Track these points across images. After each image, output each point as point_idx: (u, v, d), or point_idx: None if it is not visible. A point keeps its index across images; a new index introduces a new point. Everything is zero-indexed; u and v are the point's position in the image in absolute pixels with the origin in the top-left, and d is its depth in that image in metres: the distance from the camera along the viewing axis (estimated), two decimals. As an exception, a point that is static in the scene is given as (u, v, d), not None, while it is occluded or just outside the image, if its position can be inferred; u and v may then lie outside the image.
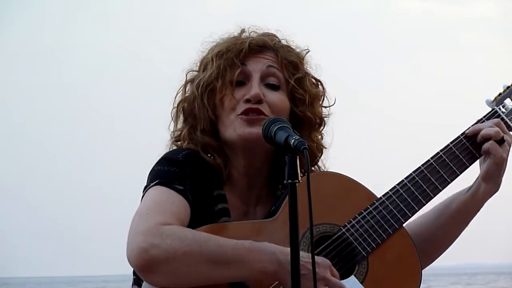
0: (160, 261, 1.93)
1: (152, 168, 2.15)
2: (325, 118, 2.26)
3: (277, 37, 2.23)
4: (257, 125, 2.08)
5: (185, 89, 2.25)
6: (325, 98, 2.27)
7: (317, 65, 2.26)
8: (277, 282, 1.99)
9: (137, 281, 2.16)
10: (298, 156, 1.85)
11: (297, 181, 1.82)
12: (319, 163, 2.31)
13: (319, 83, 2.25)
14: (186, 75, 2.26)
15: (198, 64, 2.24)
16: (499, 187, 2.20)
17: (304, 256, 1.90)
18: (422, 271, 2.18)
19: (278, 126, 1.89)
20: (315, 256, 1.88)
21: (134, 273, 2.16)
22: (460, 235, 2.37)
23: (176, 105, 2.25)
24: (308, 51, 2.24)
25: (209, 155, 2.18)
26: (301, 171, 1.86)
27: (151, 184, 2.09)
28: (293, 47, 2.24)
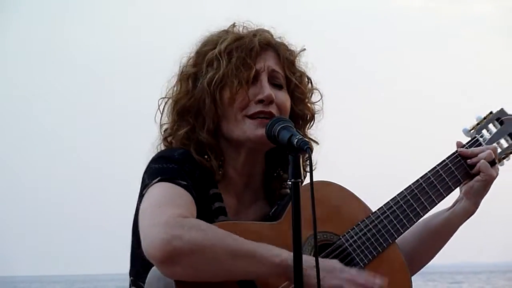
0: (184, 252, 1.92)
1: (149, 166, 2.14)
2: (315, 114, 2.30)
3: (271, 33, 2.25)
4: (262, 129, 2.10)
5: (184, 84, 2.22)
6: (314, 92, 2.30)
7: (306, 62, 2.29)
8: (287, 282, 2.02)
9: (135, 282, 2.16)
10: (300, 155, 1.90)
11: (300, 180, 1.87)
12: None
13: (310, 80, 2.28)
14: (182, 71, 2.22)
15: (196, 58, 2.22)
16: (477, 208, 2.34)
17: (309, 259, 1.94)
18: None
19: (282, 125, 1.93)
20: (331, 260, 2.02)
21: (130, 274, 2.18)
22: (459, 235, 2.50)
23: (174, 100, 2.21)
24: (305, 49, 2.27)
25: (205, 156, 2.18)
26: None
27: (153, 181, 2.06)
28: (288, 44, 2.26)
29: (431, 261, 2.52)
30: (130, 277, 2.18)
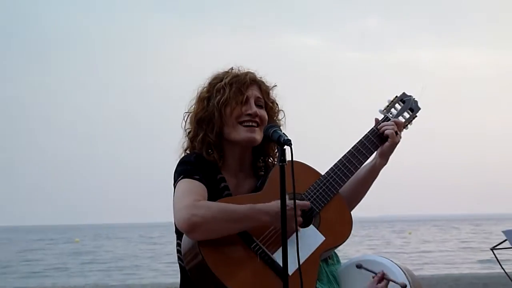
0: (198, 224, 2.58)
1: (176, 168, 2.83)
2: (281, 122, 2.99)
3: (255, 73, 2.94)
4: (254, 132, 2.82)
5: (200, 103, 2.87)
6: (280, 111, 3.00)
7: (276, 94, 2.98)
8: (272, 227, 2.68)
9: (178, 238, 2.82)
10: (285, 148, 2.55)
11: (284, 164, 2.52)
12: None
13: (277, 104, 2.98)
14: (199, 95, 2.89)
15: (208, 87, 2.88)
16: (387, 162, 2.96)
17: (288, 204, 2.56)
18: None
19: (274, 129, 2.65)
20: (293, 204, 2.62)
21: (176, 232, 2.83)
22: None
23: (194, 113, 2.88)
24: (275, 86, 2.98)
25: (209, 151, 2.84)
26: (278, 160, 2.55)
27: (179, 179, 2.76)
28: (265, 81, 2.95)
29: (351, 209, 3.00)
30: (176, 234, 2.84)
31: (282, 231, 2.52)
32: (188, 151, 2.94)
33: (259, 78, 2.92)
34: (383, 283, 2.95)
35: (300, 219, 2.69)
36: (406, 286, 2.93)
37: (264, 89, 2.91)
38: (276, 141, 2.62)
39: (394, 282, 2.95)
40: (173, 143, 3.02)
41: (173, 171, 2.84)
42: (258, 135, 2.83)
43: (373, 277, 2.98)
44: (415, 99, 3.07)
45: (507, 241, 3.57)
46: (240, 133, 2.83)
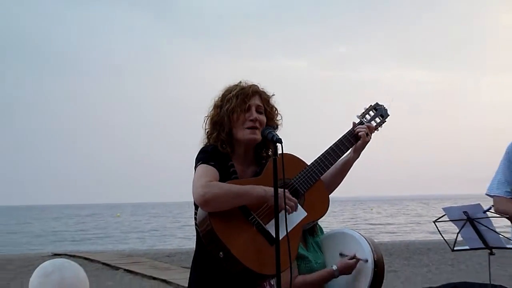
0: (210, 200, 2.59)
1: (197, 156, 2.80)
2: (279, 122, 2.95)
3: (258, 86, 2.91)
4: (255, 134, 2.80)
5: (215, 110, 2.87)
6: (278, 114, 2.94)
7: (274, 101, 2.93)
8: (266, 205, 2.67)
9: (195, 209, 2.76)
10: (278, 145, 2.62)
11: (276, 157, 2.59)
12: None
13: (276, 109, 2.93)
14: (214, 103, 2.89)
15: (221, 98, 2.86)
16: (359, 157, 2.93)
17: (280, 190, 2.61)
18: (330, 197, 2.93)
19: (269, 130, 2.71)
20: (286, 192, 2.66)
21: (194, 205, 2.74)
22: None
23: (210, 117, 2.88)
24: (274, 95, 2.94)
25: (223, 146, 2.80)
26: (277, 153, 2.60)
27: (198, 164, 2.75)
28: (266, 91, 2.92)
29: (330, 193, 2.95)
30: (194, 206, 2.77)
31: (275, 206, 2.56)
32: (206, 143, 2.94)
33: (260, 89, 2.90)
34: (353, 261, 3.27)
35: (294, 199, 2.70)
36: (367, 260, 3.27)
37: (264, 98, 2.88)
38: (270, 140, 2.67)
39: (360, 259, 3.28)
40: (194, 140, 2.99)
41: (195, 158, 2.83)
42: (258, 136, 2.82)
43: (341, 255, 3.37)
44: (386, 108, 3.04)
45: (445, 216, 3.57)
46: (244, 135, 2.81)
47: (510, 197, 3.51)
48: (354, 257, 3.27)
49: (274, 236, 2.56)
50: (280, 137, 2.65)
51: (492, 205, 3.50)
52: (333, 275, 3.27)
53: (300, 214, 2.74)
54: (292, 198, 2.69)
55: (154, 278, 11.92)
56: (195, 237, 2.82)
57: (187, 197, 2.85)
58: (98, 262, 14.79)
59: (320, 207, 2.84)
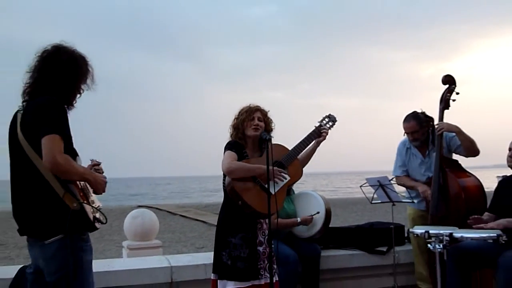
0: (232, 171, 2.57)
1: (225, 146, 2.72)
2: (272, 127, 2.85)
3: (260, 105, 2.85)
4: (257, 131, 2.74)
5: (235, 120, 2.82)
6: (272, 123, 2.85)
7: (271, 114, 2.86)
8: (264, 174, 2.55)
9: (224, 178, 2.68)
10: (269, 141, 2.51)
11: (267, 149, 2.45)
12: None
13: (271, 120, 2.85)
14: (234, 116, 2.83)
15: (238, 113, 2.82)
16: (319, 146, 2.85)
17: (272, 167, 2.52)
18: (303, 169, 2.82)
19: (263, 133, 2.67)
20: (276, 168, 2.61)
21: (223, 175, 2.66)
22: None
23: (232, 124, 2.83)
24: (269, 111, 2.85)
25: (240, 140, 2.74)
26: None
27: (226, 150, 2.67)
28: (264, 108, 2.85)
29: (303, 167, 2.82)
30: (223, 174, 2.69)
31: (267, 176, 2.50)
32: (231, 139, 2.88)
33: (261, 108, 2.86)
34: (310, 217, 3.22)
35: (283, 171, 2.67)
36: (319, 212, 3.28)
37: (263, 112, 2.83)
38: (263, 139, 2.69)
39: (315, 214, 3.24)
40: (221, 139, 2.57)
41: (223, 147, 2.79)
42: (259, 133, 2.78)
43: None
44: (335, 116, 2.99)
45: (367, 183, 3.63)
46: (251, 133, 2.77)
47: (405, 175, 3.68)
48: (311, 216, 3.29)
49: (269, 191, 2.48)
50: (269, 137, 2.59)
51: (393, 177, 3.64)
52: (296, 224, 3.25)
53: (286, 178, 2.70)
54: (282, 170, 2.66)
55: (197, 220, 13.07)
56: (222, 195, 2.75)
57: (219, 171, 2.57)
58: (165, 210, 16.03)
59: (297, 174, 2.76)
